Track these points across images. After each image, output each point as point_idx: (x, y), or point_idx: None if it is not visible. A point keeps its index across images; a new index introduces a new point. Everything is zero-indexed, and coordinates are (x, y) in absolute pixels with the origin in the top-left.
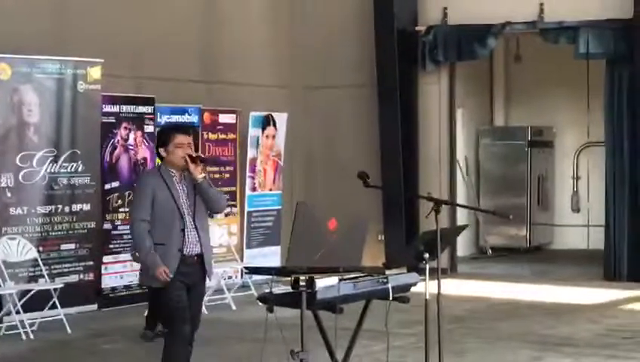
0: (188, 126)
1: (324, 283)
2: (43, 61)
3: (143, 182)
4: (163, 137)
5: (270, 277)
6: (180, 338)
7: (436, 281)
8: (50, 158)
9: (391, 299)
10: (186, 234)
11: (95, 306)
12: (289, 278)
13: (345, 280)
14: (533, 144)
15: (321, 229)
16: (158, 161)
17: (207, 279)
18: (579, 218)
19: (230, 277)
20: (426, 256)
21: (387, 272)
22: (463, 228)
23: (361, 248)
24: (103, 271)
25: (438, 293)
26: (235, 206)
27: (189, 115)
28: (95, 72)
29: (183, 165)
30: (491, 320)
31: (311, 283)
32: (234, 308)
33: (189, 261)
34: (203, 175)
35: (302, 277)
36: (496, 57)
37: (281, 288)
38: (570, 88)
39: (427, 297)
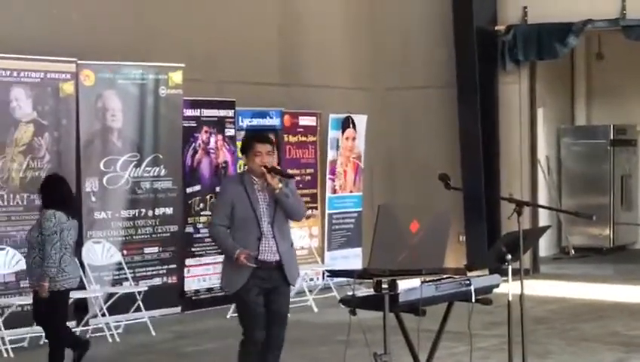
0: (266, 134)
1: (407, 286)
2: (125, 67)
3: (223, 188)
4: (244, 145)
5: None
6: (252, 344)
7: (519, 282)
8: (134, 163)
9: (473, 301)
10: (263, 242)
11: (179, 309)
12: (371, 280)
13: (427, 282)
14: (615, 143)
15: (403, 231)
16: (240, 165)
17: (291, 285)
18: None
19: (312, 280)
20: (509, 257)
21: (469, 274)
22: (545, 229)
23: (443, 247)
24: (185, 274)
25: (521, 294)
26: (316, 208)
27: (271, 117)
28: (176, 77)
29: (261, 174)
30: (575, 321)
31: (393, 285)
32: (316, 310)
33: (265, 267)
34: (280, 186)
35: (384, 280)
36: (577, 55)
37: (364, 290)
38: None
39: (510, 298)
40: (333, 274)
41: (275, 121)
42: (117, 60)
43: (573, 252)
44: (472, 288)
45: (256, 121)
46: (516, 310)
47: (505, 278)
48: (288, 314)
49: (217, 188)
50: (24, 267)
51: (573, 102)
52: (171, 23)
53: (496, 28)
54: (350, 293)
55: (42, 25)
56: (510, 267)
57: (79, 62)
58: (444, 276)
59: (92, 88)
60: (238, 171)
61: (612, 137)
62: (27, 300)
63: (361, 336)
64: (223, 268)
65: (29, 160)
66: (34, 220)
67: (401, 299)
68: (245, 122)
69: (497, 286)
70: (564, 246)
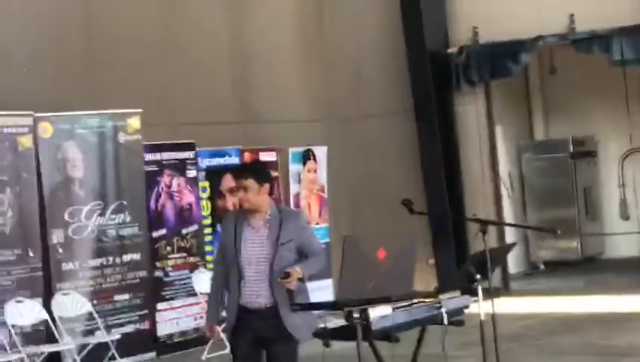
0: (240, 167)
1: (378, 314)
2: (83, 116)
3: (221, 226)
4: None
5: (323, 312)
6: None
7: (490, 302)
8: (98, 211)
9: (445, 323)
10: (244, 284)
11: (154, 354)
12: (342, 311)
13: (398, 308)
14: (575, 155)
15: (371, 260)
16: (204, 205)
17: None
18: (629, 225)
19: None
20: (478, 277)
21: (440, 296)
22: (512, 246)
23: (411, 272)
24: (158, 319)
25: (493, 312)
26: None
27: (230, 156)
28: (134, 123)
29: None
30: (549, 334)
31: (365, 314)
32: None
33: (254, 313)
34: (292, 285)
35: (355, 310)
36: (531, 71)
37: (335, 321)
38: (609, 95)
39: (482, 318)
40: (304, 307)
41: (234, 160)
42: (73, 110)
43: (542, 266)
44: (444, 311)
45: (215, 161)
46: (489, 329)
47: (475, 298)
48: None
49: (183, 231)
50: None
51: (530, 117)
52: (124, 67)
53: (448, 50)
54: (322, 326)
55: None
56: (480, 286)
57: (36, 114)
58: (415, 301)
59: (51, 140)
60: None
61: (572, 150)
62: (3, 357)
63: None
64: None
65: None
66: (1, 277)
67: (373, 327)
68: (205, 162)
69: (467, 306)
70: (533, 262)
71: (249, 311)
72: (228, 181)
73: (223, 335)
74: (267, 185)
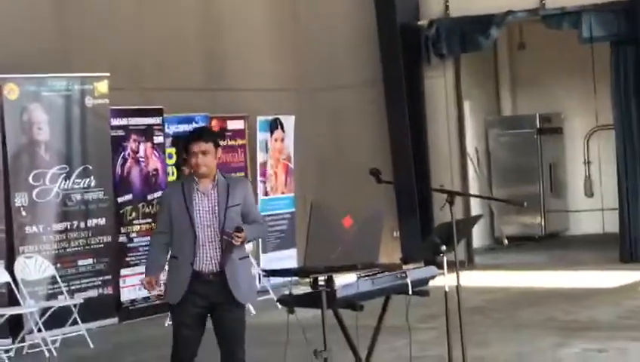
0: (201, 131)
1: (343, 282)
2: (50, 79)
3: (163, 193)
4: (180, 148)
5: (289, 279)
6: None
7: (454, 274)
8: (63, 175)
9: (410, 293)
10: (199, 248)
11: (116, 320)
12: (308, 279)
13: (363, 276)
14: (542, 131)
15: (337, 227)
16: (170, 171)
17: (242, 303)
18: (593, 202)
19: None
20: (443, 248)
21: (405, 267)
22: (478, 218)
23: (377, 242)
24: (121, 285)
25: (458, 285)
26: None
27: (197, 123)
28: (102, 87)
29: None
30: (512, 309)
31: (330, 282)
32: (253, 312)
33: (204, 278)
34: (240, 240)
35: (321, 277)
36: (500, 47)
37: (300, 289)
38: (576, 73)
39: (447, 289)
40: (270, 273)
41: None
42: (41, 72)
43: (506, 241)
44: (409, 281)
45: (182, 128)
46: (452, 301)
47: (441, 270)
48: (242, 334)
49: (149, 196)
50: None
51: (498, 93)
52: (94, 32)
53: (419, 23)
54: (287, 293)
55: None
56: (445, 258)
57: (2, 76)
58: (380, 270)
59: (17, 102)
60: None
61: (538, 126)
62: None
63: (300, 336)
64: (166, 277)
65: None
66: None
67: (338, 295)
68: (172, 129)
69: (433, 277)
70: (497, 237)
71: (200, 277)
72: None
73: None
74: (220, 150)
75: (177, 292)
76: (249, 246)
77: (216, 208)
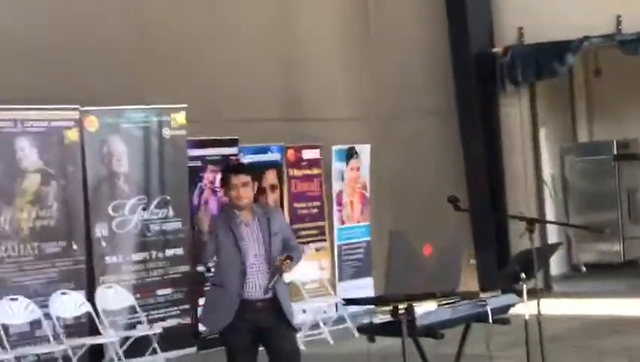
0: (242, 165)
1: (424, 310)
2: (128, 111)
3: (213, 222)
4: (221, 178)
5: (368, 307)
6: None
7: (533, 301)
8: (142, 205)
9: (491, 321)
10: (247, 278)
11: (194, 349)
12: (387, 308)
13: (443, 304)
14: (619, 157)
15: (417, 256)
16: None
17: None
18: None
19: (325, 312)
20: (523, 276)
21: (483, 295)
22: (558, 245)
23: (458, 271)
24: (199, 314)
25: (539, 313)
26: (324, 240)
27: (272, 152)
28: (179, 118)
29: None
30: (591, 337)
31: (410, 310)
32: (331, 342)
33: (252, 306)
34: (290, 268)
35: (401, 305)
36: (575, 73)
37: (379, 318)
38: None
39: (527, 318)
40: (350, 302)
41: (275, 156)
42: (120, 104)
43: (584, 269)
44: (489, 308)
45: (257, 158)
46: (532, 330)
47: (520, 298)
48: (299, 352)
49: None
50: (38, 316)
51: (574, 119)
52: (171, 64)
53: (493, 50)
54: (367, 321)
55: (43, 73)
56: (525, 286)
57: (82, 108)
58: (460, 298)
59: (96, 134)
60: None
61: (615, 152)
62: (42, 349)
63: None
64: (204, 305)
65: (37, 209)
66: (46, 269)
67: (418, 323)
68: (247, 159)
69: (514, 305)
70: (574, 264)
71: (250, 304)
72: (270, 177)
73: None
74: (255, 184)
75: (222, 321)
76: (325, 274)
77: (261, 237)
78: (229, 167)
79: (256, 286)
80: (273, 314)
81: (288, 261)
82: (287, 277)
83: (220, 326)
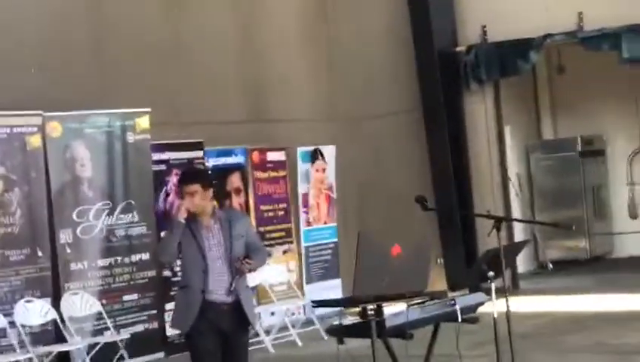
0: (195, 173)
1: (393, 310)
2: (91, 116)
3: (176, 221)
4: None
5: (337, 309)
6: None
7: (502, 300)
8: (106, 211)
9: (460, 320)
10: (209, 279)
11: (162, 354)
12: (355, 309)
13: (412, 305)
14: (584, 154)
15: (385, 256)
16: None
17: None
18: (637, 224)
19: (293, 314)
20: (491, 274)
21: (451, 294)
22: (525, 243)
23: (426, 270)
24: (167, 319)
25: (508, 311)
26: (291, 242)
27: (236, 155)
28: (143, 122)
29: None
30: (560, 334)
31: (379, 311)
32: (300, 344)
33: (216, 308)
34: (249, 268)
35: (370, 306)
36: (538, 70)
37: (348, 319)
38: (617, 94)
39: (495, 316)
40: (319, 304)
41: (239, 159)
42: (82, 109)
43: (551, 266)
44: (458, 308)
45: (222, 161)
46: (500, 327)
47: (488, 296)
48: (247, 356)
49: None
50: (3, 325)
51: (538, 117)
52: (133, 68)
53: (457, 49)
54: (336, 323)
55: (4, 79)
56: (493, 284)
57: (45, 114)
58: (429, 298)
59: (60, 139)
60: None
61: (580, 149)
62: (8, 358)
63: None
64: (174, 307)
65: (0, 216)
66: (10, 277)
67: (387, 323)
68: (211, 162)
69: (482, 304)
70: (541, 261)
71: (214, 306)
72: (234, 180)
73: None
74: (210, 190)
75: (189, 319)
76: (293, 277)
77: (222, 241)
78: (182, 176)
79: (219, 288)
80: (236, 316)
81: (247, 261)
82: (255, 279)
83: (187, 325)
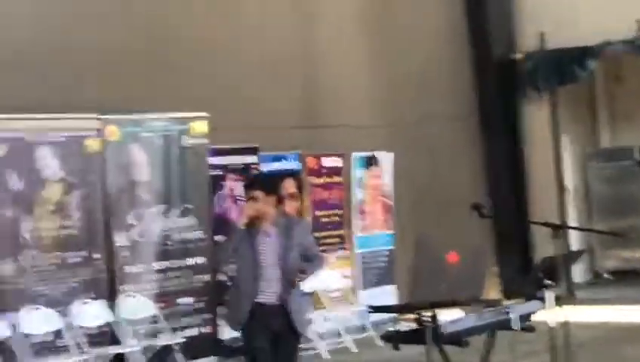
0: (258, 180)
1: (449, 317)
2: (149, 120)
3: (236, 235)
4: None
5: (390, 315)
6: None
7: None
8: (163, 214)
9: (517, 328)
10: (262, 284)
11: (216, 359)
12: (410, 316)
13: (468, 312)
14: None
15: (442, 263)
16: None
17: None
18: None
19: (347, 320)
20: (547, 282)
21: (507, 303)
22: (582, 252)
23: (482, 278)
24: (220, 323)
25: (565, 321)
26: (346, 248)
27: (289, 161)
28: (200, 126)
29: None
30: (615, 345)
31: (435, 317)
32: (355, 350)
33: (266, 310)
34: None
35: (425, 313)
36: (597, 79)
37: (402, 326)
38: None
39: (552, 325)
40: (376, 309)
41: (293, 164)
42: (140, 112)
43: (607, 276)
44: (513, 316)
45: (276, 166)
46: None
47: (543, 305)
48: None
49: None
50: (59, 326)
51: (596, 125)
52: (190, 71)
53: (514, 56)
54: (392, 329)
55: (62, 81)
56: (549, 293)
57: (102, 117)
58: (485, 306)
59: (117, 143)
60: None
61: (638, 158)
62: (64, 359)
63: None
64: (228, 303)
65: (59, 218)
66: (67, 278)
67: (443, 331)
68: (265, 167)
69: (536, 312)
70: (597, 271)
71: (263, 307)
72: (288, 186)
73: None
74: (273, 197)
75: (240, 318)
76: (347, 283)
77: (278, 247)
78: (245, 183)
79: (270, 293)
80: (285, 320)
81: (301, 275)
82: (310, 286)
83: (237, 322)
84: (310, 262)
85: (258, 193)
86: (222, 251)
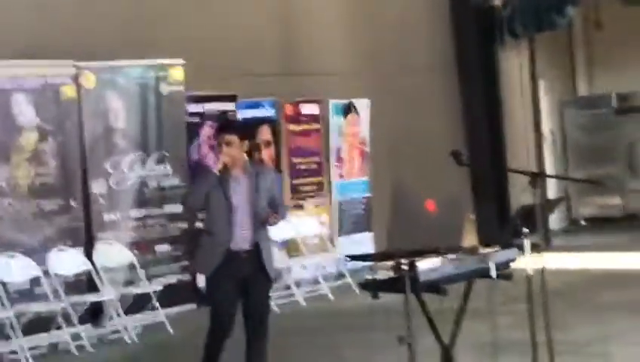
0: (231, 124)
1: (427, 265)
2: (125, 67)
3: (202, 177)
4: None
5: (366, 263)
6: (215, 337)
7: (535, 256)
8: (139, 162)
9: (494, 276)
10: (234, 229)
11: (194, 305)
12: (387, 263)
13: (446, 260)
14: (619, 111)
15: (419, 211)
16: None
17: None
18: None
19: (325, 267)
20: (525, 230)
21: (484, 250)
22: (561, 200)
23: (460, 227)
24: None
25: (543, 268)
26: (323, 195)
27: (265, 108)
28: (177, 74)
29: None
30: (592, 291)
31: (413, 266)
32: (332, 298)
33: (238, 256)
34: (276, 222)
35: (404, 261)
36: (575, 26)
37: (380, 273)
38: None
39: (530, 273)
40: (353, 258)
41: (269, 112)
42: (116, 59)
43: (584, 223)
44: (492, 264)
45: (251, 113)
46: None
47: (521, 252)
48: (269, 305)
49: None
50: (37, 273)
51: (574, 73)
52: (167, 19)
53: (492, 3)
54: (369, 277)
55: (38, 28)
56: (527, 241)
57: (78, 63)
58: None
59: (93, 90)
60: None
61: (615, 105)
62: (42, 306)
63: (382, 321)
64: (197, 250)
65: (35, 166)
66: (44, 227)
67: (421, 278)
68: (241, 114)
69: (514, 260)
70: (574, 218)
71: (234, 254)
72: (264, 133)
73: None
74: (245, 142)
75: (211, 265)
76: (324, 230)
77: (247, 193)
78: (218, 126)
79: (242, 238)
80: (256, 264)
81: (275, 216)
82: (287, 233)
83: (209, 269)
84: (274, 209)
85: (233, 137)
86: (192, 197)
